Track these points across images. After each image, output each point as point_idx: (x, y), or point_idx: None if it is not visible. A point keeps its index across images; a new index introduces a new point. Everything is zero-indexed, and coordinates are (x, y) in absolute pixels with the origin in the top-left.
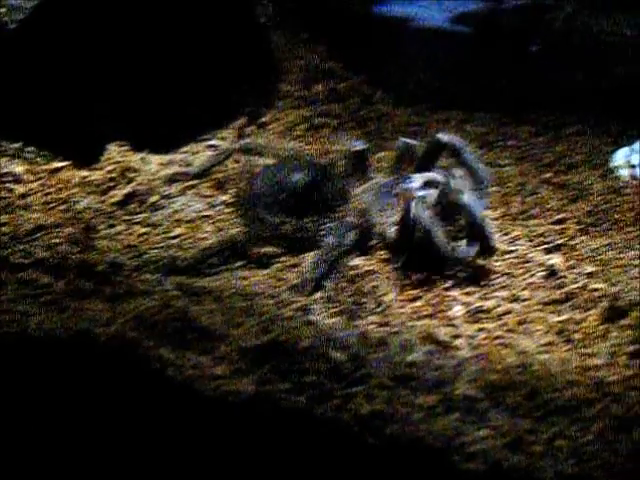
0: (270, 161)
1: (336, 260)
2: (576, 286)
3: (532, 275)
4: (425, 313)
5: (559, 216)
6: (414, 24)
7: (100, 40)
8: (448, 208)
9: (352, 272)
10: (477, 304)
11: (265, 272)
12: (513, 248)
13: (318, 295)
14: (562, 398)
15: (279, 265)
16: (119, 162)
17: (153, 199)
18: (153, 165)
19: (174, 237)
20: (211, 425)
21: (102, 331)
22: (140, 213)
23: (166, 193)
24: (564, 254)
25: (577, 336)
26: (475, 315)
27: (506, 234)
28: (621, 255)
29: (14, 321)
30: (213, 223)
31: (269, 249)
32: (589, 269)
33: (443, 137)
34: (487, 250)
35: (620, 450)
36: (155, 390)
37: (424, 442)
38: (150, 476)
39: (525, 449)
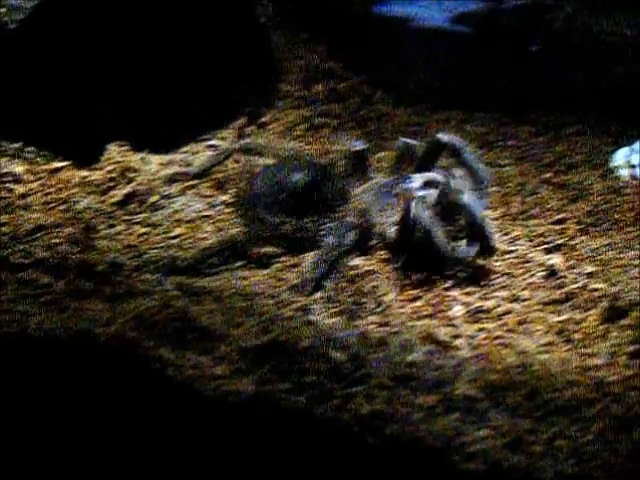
0: (270, 161)
1: (336, 260)
2: (576, 286)
3: (532, 275)
4: (425, 313)
5: (559, 216)
6: (414, 24)
7: (100, 40)
8: (448, 208)
9: (352, 272)
10: (477, 304)
11: (265, 272)
12: (513, 248)
13: (318, 295)
14: (562, 398)
15: (279, 265)
16: (119, 162)
17: (153, 199)
18: (153, 165)
19: (174, 237)
20: (211, 425)
21: (102, 331)
22: (140, 213)
23: (166, 193)
24: (564, 254)
25: (577, 336)
26: (475, 315)
27: (506, 234)
28: (621, 255)
29: (14, 321)
30: (213, 223)
31: (269, 249)
32: (589, 269)
33: (443, 137)
34: (487, 250)
35: (620, 450)
36: (155, 390)
37: (424, 442)
38: (151, 476)
39: (525, 449)
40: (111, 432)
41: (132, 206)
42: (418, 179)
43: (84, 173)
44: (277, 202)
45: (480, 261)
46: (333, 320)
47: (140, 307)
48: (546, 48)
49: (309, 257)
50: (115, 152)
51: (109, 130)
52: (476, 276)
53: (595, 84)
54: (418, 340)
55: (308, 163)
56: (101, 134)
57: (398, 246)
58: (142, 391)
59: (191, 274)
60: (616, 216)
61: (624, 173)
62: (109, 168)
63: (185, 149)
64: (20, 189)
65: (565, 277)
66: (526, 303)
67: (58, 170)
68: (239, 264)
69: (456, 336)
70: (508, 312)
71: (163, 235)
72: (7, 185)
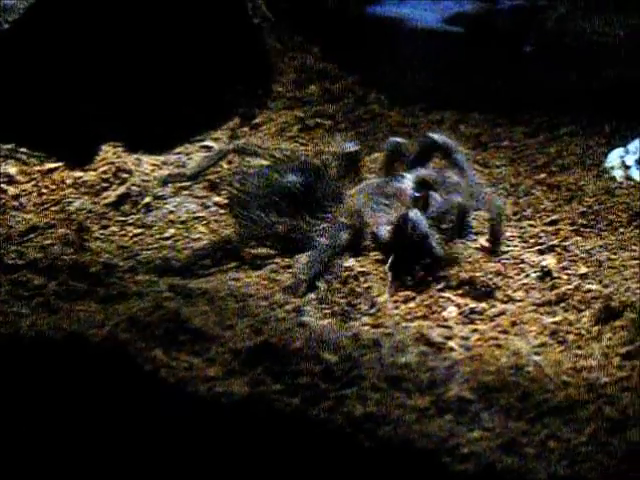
0: (264, 162)
1: (329, 261)
2: (570, 287)
3: (526, 276)
4: (418, 314)
5: (553, 217)
6: (408, 25)
7: (94, 40)
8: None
9: (345, 273)
10: (471, 305)
11: (258, 273)
12: (507, 249)
13: (311, 296)
14: (555, 399)
15: (272, 266)
16: (113, 163)
17: (147, 200)
18: (147, 166)
19: (167, 238)
20: (204, 426)
21: (95, 332)
22: (134, 214)
23: (160, 194)
24: (558, 255)
25: (570, 337)
26: (469, 316)
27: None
28: (615, 256)
29: (7, 322)
30: (206, 224)
31: (262, 250)
32: (583, 270)
33: (435, 136)
34: (496, 246)
35: (613, 452)
36: (148, 392)
37: (417, 444)
38: (144, 477)
39: (518, 451)
40: (104, 434)
41: (126, 207)
42: (410, 178)
43: (77, 174)
44: (270, 203)
45: (474, 262)
46: (326, 321)
47: (133, 308)
48: (540, 49)
49: (302, 258)
50: (109, 153)
51: (103, 131)
52: (470, 277)
53: (589, 85)
54: (411, 341)
55: (301, 164)
56: (95, 135)
57: (392, 247)
58: (135, 393)
59: (184, 275)
60: (610, 217)
61: (618, 174)
62: (103, 169)
63: (179, 150)
64: (13, 190)
65: (559, 278)
66: (520, 304)
67: (51, 171)
68: (232, 265)
69: (449, 337)
70: (502, 313)
71: (156, 236)
72: (0, 186)
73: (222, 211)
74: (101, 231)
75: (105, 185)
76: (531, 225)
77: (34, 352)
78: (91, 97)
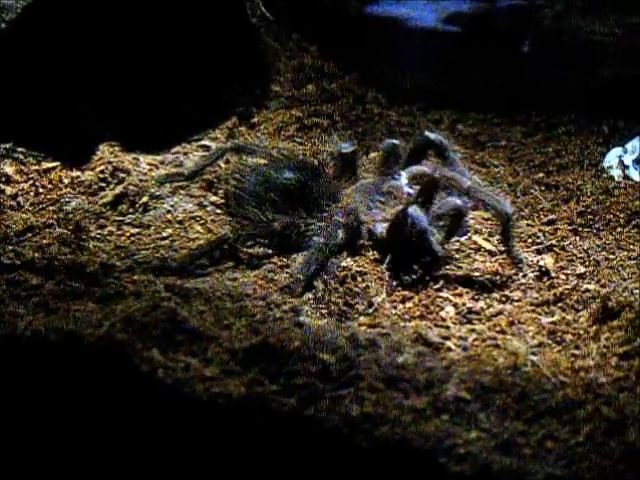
0: (261, 161)
1: (326, 260)
2: (567, 287)
3: (524, 276)
4: (416, 314)
5: (551, 217)
6: (406, 24)
7: (91, 40)
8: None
9: (343, 273)
10: (468, 305)
11: (255, 273)
12: (504, 249)
13: (308, 296)
14: (553, 400)
15: (269, 266)
16: (110, 162)
17: (144, 200)
18: (144, 165)
19: (164, 238)
20: (201, 427)
21: (92, 332)
22: (131, 214)
23: (157, 194)
24: (555, 255)
25: (568, 337)
26: (466, 316)
27: (497, 235)
28: (613, 256)
29: (3, 322)
30: (203, 224)
31: (259, 250)
32: (581, 270)
33: (430, 135)
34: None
35: (610, 452)
36: (145, 392)
37: (414, 444)
38: (140, 478)
39: (515, 451)
40: (101, 434)
41: (123, 207)
42: (406, 175)
43: (75, 173)
44: (267, 202)
45: (472, 262)
46: (323, 321)
47: (130, 308)
48: (537, 48)
49: (299, 258)
50: (106, 152)
51: (100, 130)
52: (467, 277)
53: (587, 84)
54: (409, 341)
55: (298, 163)
56: (92, 134)
57: (389, 246)
58: (132, 393)
59: (181, 275)
60: (608, 217)
61: (616, 173)
62: (100, 168)
63: (176, 149)
64: (10, 189)
65: (557, 278)
66: (517, 304)
67: (49, 170)
68: (229, 265)
69: (447, 337)
70: (499, 313)
71: (154, 236)
72: None
73: (219, 210)
74: (98, 231)
75: (102, 185)
76: (529, 225)
77: (31, 352)
78: (88, 96)
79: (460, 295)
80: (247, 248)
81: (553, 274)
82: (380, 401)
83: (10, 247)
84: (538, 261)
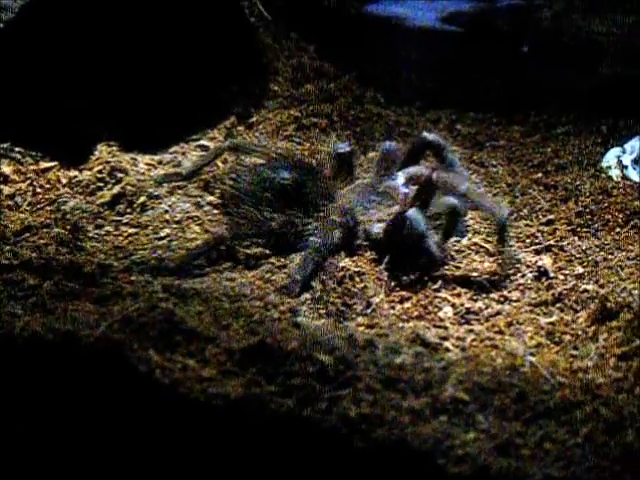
0: (259, 161)
1: (324, 261)
2: (566, 287)
3: (522, 276)
4: (414, 314)
5: (549, 217)
6: (405, 24)
7: (89, 40)
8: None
9: (341, 273)
10: (466, 305)
11: (253, 273)
12: (503, 249)
13: (306, 296)
14: (551, 400)
15: (267, 266)
16: (108, 162)
17: (142, 200)
18: (142, 165)
19: (162, 238)
20: (198, 427)
21: (89, 333)
22: (129, 214)
23: (155, 194)
24: (554, 255)
25: (567, 338)
26: (464, 316)
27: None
28: (611, 256)
29: (1, 322)
30: (201, 224)
31: (257, 250)
32: (579, 270)
33: (428, 135)
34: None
35: (609, 453)
36: (142, 392)
37: (412, 445)
38: (138, 478)
39: (513, 452)
40: (98, 435)
41: (121, 207)
42: (402, 175)
43: (73, 173)
44: (264, 202)
45: (470, 262)
46: (321, 322)
47: (128, 309)
48: (536, 48)
49: (297, 258)
50: (104, 152)
51: (98, 130)
52: (466, 277)
53: (585, 84)
54: (407, 342)
55: (296, 163)
56: (90, 134)
57: (386, 246)
58: (129, 393)
59: (179, 275)
60: (607, 217)
61: (615, 173)
62: (98, 168)
63: (174, 149)
64: (8, 189)
65: (555, 278)
66: (516, 304)
67: (46, 170)
68: (227, 265)
69: (445, 338)
70: (498, 313)
71: (151, 236)
72: None
73: (216, 210)
74: (96, 231)
75: (100, 185)
76: (527, 225)
77: (28, 352)
78: (86, 96)
79: (458, 295)
80: (244, 248)
81: (552, 274)
82: (378, 402)
83: (7, 247)
84: (536, 261)
